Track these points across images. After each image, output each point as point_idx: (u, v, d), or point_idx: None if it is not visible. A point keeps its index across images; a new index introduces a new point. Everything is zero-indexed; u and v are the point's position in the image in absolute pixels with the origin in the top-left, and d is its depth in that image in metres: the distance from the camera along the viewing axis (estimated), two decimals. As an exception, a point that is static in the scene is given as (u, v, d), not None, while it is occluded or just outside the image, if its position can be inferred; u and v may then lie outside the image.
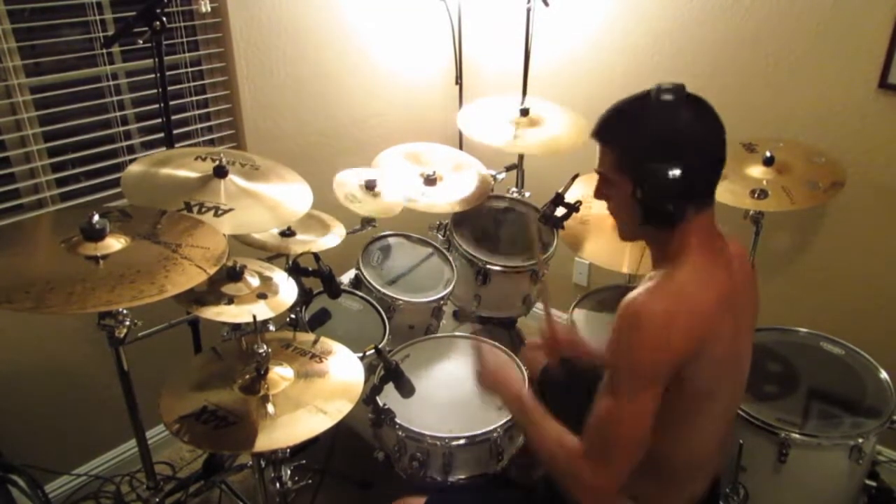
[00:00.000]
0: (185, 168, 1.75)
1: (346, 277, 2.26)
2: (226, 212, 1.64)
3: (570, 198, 2.04)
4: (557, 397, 1.76)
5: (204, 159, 1.78)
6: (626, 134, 1.20)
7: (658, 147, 1.16)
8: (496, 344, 2.02)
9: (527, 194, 2.58)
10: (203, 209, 1.63)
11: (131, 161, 2.16)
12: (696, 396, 1.22)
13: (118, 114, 2.14)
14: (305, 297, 1.93)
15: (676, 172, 1.13)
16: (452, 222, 2.32)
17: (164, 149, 1.89)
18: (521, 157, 2.64)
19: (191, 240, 1.47)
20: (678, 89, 1.17)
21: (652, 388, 1.16)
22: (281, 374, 1.48)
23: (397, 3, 2.72)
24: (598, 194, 1.28)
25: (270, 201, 1.76)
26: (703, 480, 1.38)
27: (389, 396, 1.74)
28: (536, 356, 1.95)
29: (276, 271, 1.74)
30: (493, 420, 1.74)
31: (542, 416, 1.32)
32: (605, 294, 2.32)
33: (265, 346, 1.42)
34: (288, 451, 1.69)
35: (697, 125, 1.17)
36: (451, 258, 2.28)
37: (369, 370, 1.80)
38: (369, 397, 1.72)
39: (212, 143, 2.39)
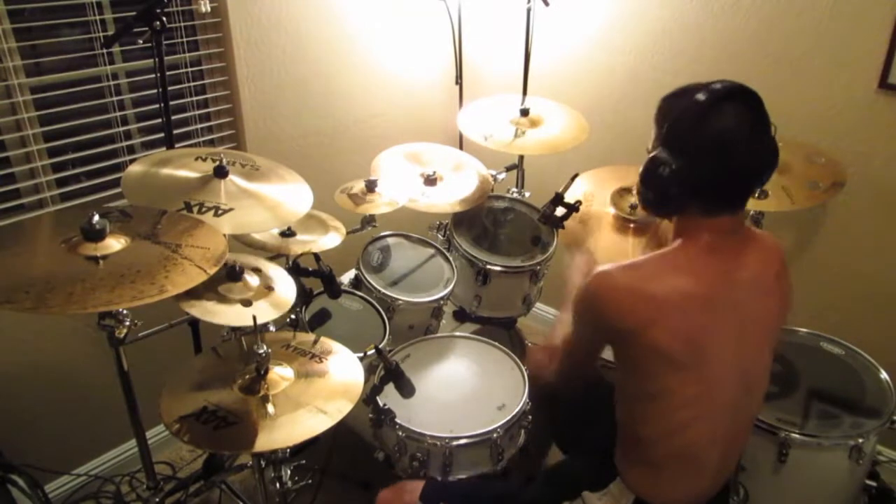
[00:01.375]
0: (185, 168, 1.75)
1: (346, 277, 2.26)
2: (226, 212, 1.64)
3: (569, 197, 2.04)
4: (571, 406, 1.76)
5: (204, 159, 1.78)
6: (662, 114, 1.25)
7: (670, 137, 1.21)
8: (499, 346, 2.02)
9: (527, 194, 2.58)
10: (203, 209, 1.63)
11: (131, 161, 2.17)
12: (656, 380, 1.25)
13: (118, 114, 2.14)
14: (305, 297, 1.93)
15: (670, 170, 1.18)
16: (452, 222, 2.32)
17: (163, 149, 1.89)
18: (521, 157, 2.64)
19: (191, 240, 1.47)
20: (721, 91, 1.18)
21: (586, 331, 1.35)
22: (281, 374, 1.48)
23: (397, 4, 2.72)
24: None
25: (270, 201, 1.76)
26: (700, 479, 1.37)
27: (389, 396, 1.74)
28: (540, 360, 1.95)
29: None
30: (493, 420, 1.74)
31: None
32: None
33: (265, 347, 1.42)
34: (288, 451, 1.69)
35: (716, 133, 1.16)
36: (451, 258, 2.28)
37: (369, 370, 1.81)
38: (369, 397, 1.72)
39: (212, 143, 2.39)
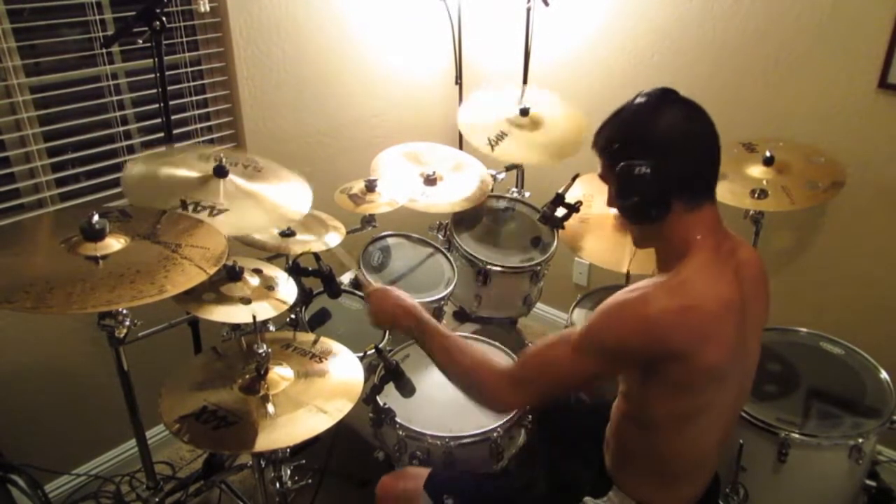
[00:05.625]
0: (186, 167, 1.74)
1: (346, 277, 2.26)
2: (221, 212, 1.64)
3: (570, 198, 2.04)
4: (577, 428, 1.75)
5: (207, 159, 1.77)
6: (605, 139, 1.27)
7: (629, 147, 1.21)
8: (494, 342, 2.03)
9: (527, 194, 2.58)
10: (199, 208, 1.62)
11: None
12: (700, 397, 1.22)
13: (118, 114, 2.14)
14: (305, 297, 1.93)
15: (646, 170, 1.18)
16: (452, 222, 2.32)
17: (163, 147, 1.89)
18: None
19: (191, 240, 1.47)
20: (653, 92, 1.23)
21: (612, 364, 1.24)
22: (281, 374, 1.48)
23: (397, 3, 2.72)
24: (608, 202, 1.33)
25: (268, 203, 1.75)
26: (703, 478, 1.39)
27: (389, 396, 1.74)
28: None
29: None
30: (493, 420, 1.74)
31: (451, 335, 1.41)
32: (605, 294, 2.28)
33: (265, 346, 1.42)
34: (288, 451, 1.69)
35: (671, 124, 1.19)
36: (451, 258, 2.28)
37: (369, 370, 1.81)
38: (369, 397, 1.72)
39: (212, 142, 2.39)
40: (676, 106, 1.21)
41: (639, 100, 1.23)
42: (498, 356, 1.40)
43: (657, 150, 1.19)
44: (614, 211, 1.31)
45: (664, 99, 1.22)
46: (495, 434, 1.72)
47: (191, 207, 1.62)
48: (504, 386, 1.30)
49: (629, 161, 1.19)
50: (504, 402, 1.36)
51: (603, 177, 1.30)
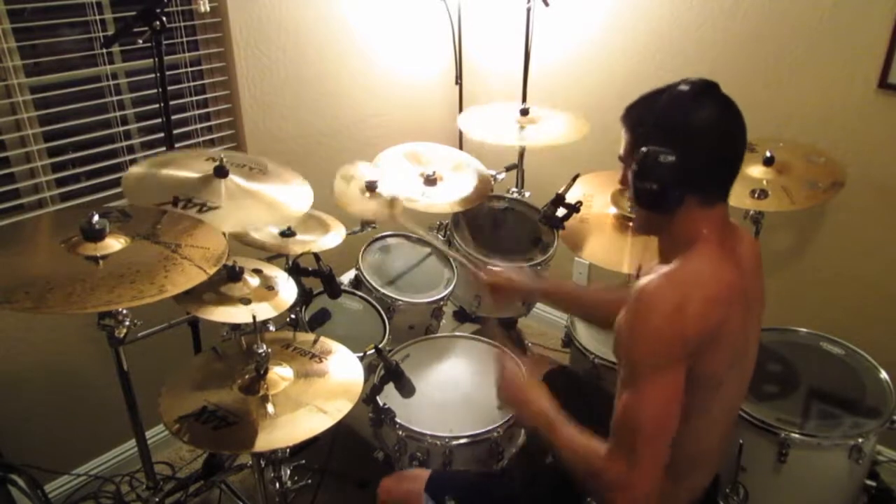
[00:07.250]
0: (188, 168, 1.73)
1: (346, 277, 2.26)
2: (211, 209, 1.63)
3: (570, 198, 2.04)
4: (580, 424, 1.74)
5: (216, 161, 1.77)
6: (636, 117, 1.25)
7: (658, 132, 1.20)
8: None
9: (527, 194, 2.58)
10: (190, 205, 1.61)
11: (131, 161, 2.17)
12: (707, 387, 1.22)
13: (118, 114, 2.14)
14: (305, 297, 1.93)
15: (670, 159, 1.17)
16: (452, 222, 2.32)
17: (163, 148, 1.88)
18: (521, 156, 2.63)
19: (191, 240, 1.47)
20: (697, 83, 1.20)
21: (670, 373, 1.15)
22: (281, 374, 1.48)
23: (397, 3, 2.72)
24: (621, 179, 1.32)
25: (269, 200, 1.74)
26: (703, 475, 1.39)
27: (389, 396, 1.74)
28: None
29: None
30: (493, 420, 1.74)
31: (571, 434, 1.27)
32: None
33: (265, 346, 1.42)
34: (288, 451, 1.69)
35: (707, 120, 1.18)
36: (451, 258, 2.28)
37: (369, 370, 1.81)
38: (369, 397, 1.72)
39: (212, 143, 2.39)
40: (716, 102, 1.20)
41: (682, 87, 1.20)
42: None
43: (686, 143, 1.18)
44: (627, 194, 1.29)
45: (706, 92, 1.20)
46: (495, 434, 1.72)
47: (182, 204, 1.61)
48: (613, 471, 1.15)
49: (655, 146, 1.18)
50: (626, 488, 1.14)
51: (624, 155, 1.28)
